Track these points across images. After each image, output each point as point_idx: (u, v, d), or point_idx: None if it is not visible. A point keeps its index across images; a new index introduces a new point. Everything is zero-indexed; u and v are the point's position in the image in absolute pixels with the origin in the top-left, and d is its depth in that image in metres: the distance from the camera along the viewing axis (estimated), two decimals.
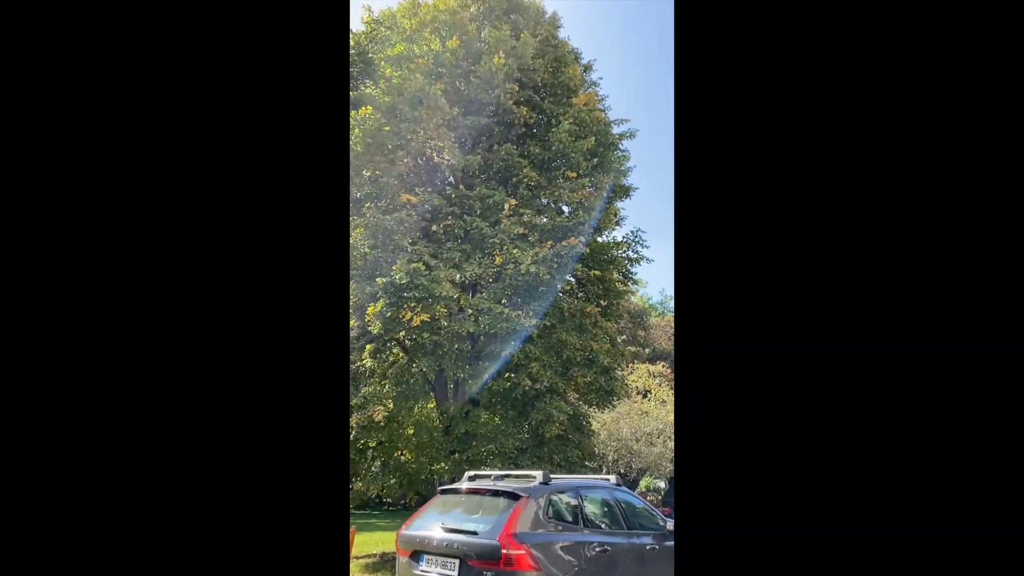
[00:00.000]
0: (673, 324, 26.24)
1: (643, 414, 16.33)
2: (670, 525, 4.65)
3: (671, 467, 15.15)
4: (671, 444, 15.59)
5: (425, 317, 6.49)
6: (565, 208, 9.42)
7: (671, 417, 16.18)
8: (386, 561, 6.44)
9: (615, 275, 9.46)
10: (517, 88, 8.40)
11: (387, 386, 8.15)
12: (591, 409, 10.64)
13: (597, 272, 8.83)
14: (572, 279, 9.56)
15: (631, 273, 10.38)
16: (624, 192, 10.27)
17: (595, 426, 14.61)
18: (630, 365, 19.61)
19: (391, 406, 7.67)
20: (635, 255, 10.44)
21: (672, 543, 4.65)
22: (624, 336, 22.31)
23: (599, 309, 8.80)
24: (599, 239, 9.03)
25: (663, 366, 19.88)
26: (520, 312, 7.99)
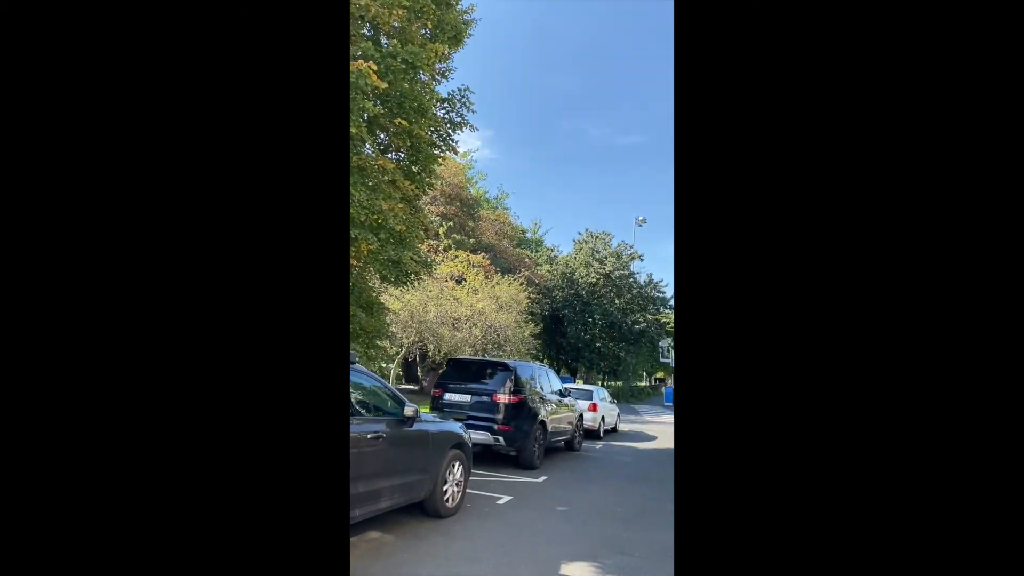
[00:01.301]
0: (503, 221, 26.40)
1: (454, 300, 16.11)
2: (409, 410, 3.93)
3: (471, 351, 15.44)
4: (476, 331, 15.83)
5: None
6: (367, 31, 7.37)
7: (481, 304, 16.31)
8: None
9: (428, 133, 8.01)
10: None
11: None
12: (383, 285, 9.63)
13: (404, 122, 7.27)
14: (381, 134, 7.86)
15: (450, 137, 9.04)
16: (456, 37, 8.56)
17: (396, 305, 13.94)
18: (451, 251, 19.15)
19: None
20: (459, 118, 9.10)
21: (414, 428, 4.00)
22: (451, 223, 21.61)
23: (398, 166, 7.40)
24: (411, 84, 7.33)
25: (484, 257, 19.74)
26: None
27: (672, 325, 18.65)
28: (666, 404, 27.62)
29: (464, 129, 9.19)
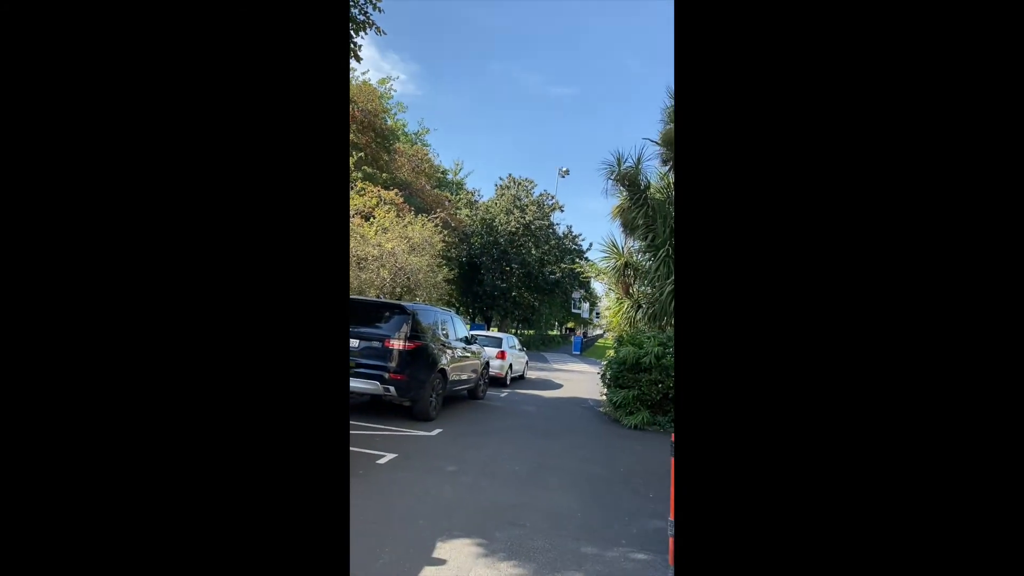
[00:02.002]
0: (421, 157, 24.69)
1: (360, 237, 14.73)
2: None
3: (376, 293, 14.37)
4: (384, 272, 14.71)
5: None
6: None
7: (390, 245, 15.10)
8: None
9: None
10: None
11: None
12: None
13: None
14: None
15: (352, 41, 7.63)
16: None
17: None
18: (361, 184, 17.46)
19: None
20: (362, 16, 7.68)
21: None
22: (363, 153, 19.68)
23: None
24: None
25: (397, 194, 18.26)
26: None
27: (586, 275, 18.66)
28: (574, 353, 28.49)
29: (368, 31, 7.82)
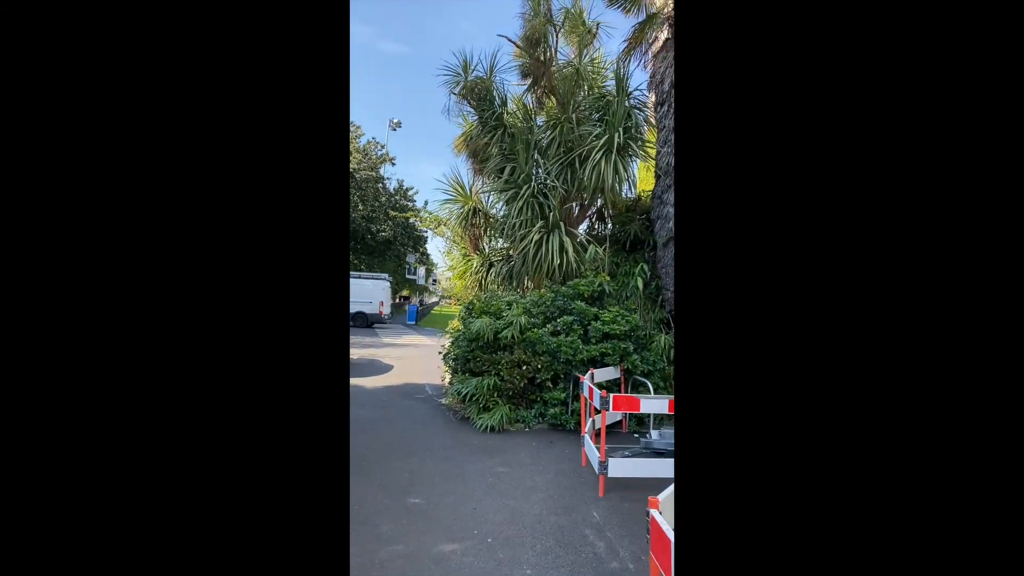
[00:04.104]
0: None
1: None
2: None
3: None
4: None
5: None
6: None
7: None
8: None
9: None
10: None
11: None
12: None
13: None
14: None
15: None
16: None
17: None
18: None
19: None
20: None
21: None
22: None
23: None
24: None
25: None
26: None
27: (422, 226, 16.19)
28: (408, 323, 25.88)
29: None
